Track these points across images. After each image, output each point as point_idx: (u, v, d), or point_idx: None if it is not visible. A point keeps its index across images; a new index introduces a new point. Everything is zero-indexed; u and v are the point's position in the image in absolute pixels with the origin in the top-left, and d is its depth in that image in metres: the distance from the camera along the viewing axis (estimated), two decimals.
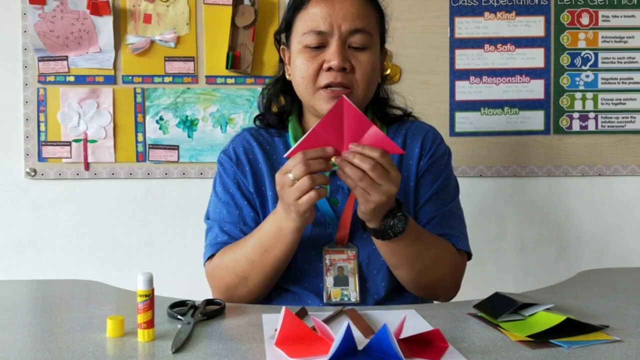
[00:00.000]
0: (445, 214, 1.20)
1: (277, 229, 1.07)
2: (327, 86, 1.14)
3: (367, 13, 1.16)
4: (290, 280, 1.18)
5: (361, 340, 0.83)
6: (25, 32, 1.93)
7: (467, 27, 1.97)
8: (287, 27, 1.22)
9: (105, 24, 1.93)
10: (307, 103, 1.19)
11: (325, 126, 0.96)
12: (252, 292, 1.14)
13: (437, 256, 1.13)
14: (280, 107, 1.29)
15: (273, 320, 0.92)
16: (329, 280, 1.15)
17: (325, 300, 1.15)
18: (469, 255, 1.23)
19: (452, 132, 1.98)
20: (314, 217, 1.05)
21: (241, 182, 1.22)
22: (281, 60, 1.28)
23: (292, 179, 0.97)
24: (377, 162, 0.94)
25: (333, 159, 0.97)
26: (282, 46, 1.26)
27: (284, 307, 0.83)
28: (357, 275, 1.15)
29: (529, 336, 0.85)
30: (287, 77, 1.24)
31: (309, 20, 1.15)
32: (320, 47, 1.15)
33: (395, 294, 1.20)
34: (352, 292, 1.15)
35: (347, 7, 1.14)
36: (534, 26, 1.98)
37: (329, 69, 1.13)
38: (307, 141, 0.96)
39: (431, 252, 1.12)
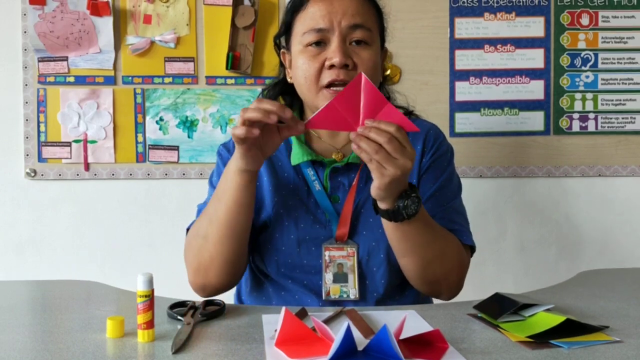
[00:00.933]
0: (448, 210, 1.20)
1: (226, 171, 1.08)
2: (330, 84, 1.13)
3: (365, 10, 1.17)
4: (290, 277, 1.18)
5: (361, 340, 0.83)
6: (25, 32, 1.93)
7: (467, 27, 1.97)
8: (286, 29, 1.22)
9: (105, 25, 1.93)
10: (311, 103, 1.18)
11: (342, 100, 0.96)
12: (213, 258, 1.11)
13: (445, 248, 1.13)
14: None
15: (273, 320, 0.92)
16: (328, 276, 1.15)
17: (324, 297, 1.15)
18: (472, 250, 1.23)
19: (452, 133, 1.98)
20: (258, 164, 1.04)
21: None
22: (281, 64, 1.28)
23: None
24: (393, 136, 0.95)
25: (350, 135, 0.97)
26: (282, 50, 1.26)
27: (283, 308, 0.83)
28: (356, 272, 1.15)
29: (529, 337, 0.85)
30: (289, 79, 1.23)
31: (309, 20, 1.16)
32: (322, 44, 1.15)
33: (396, 292, 1.20)
34: (352, 289, 1.15)
35: (346, 4, 1.15)
36: (534, 27, 1.98)
37: (331, 66, 1.13)
38: (323, 113, 0.96)
39: (440, 242, 1.12)
